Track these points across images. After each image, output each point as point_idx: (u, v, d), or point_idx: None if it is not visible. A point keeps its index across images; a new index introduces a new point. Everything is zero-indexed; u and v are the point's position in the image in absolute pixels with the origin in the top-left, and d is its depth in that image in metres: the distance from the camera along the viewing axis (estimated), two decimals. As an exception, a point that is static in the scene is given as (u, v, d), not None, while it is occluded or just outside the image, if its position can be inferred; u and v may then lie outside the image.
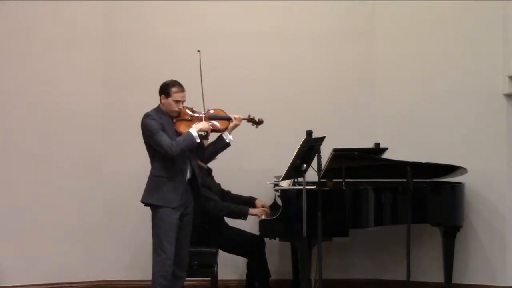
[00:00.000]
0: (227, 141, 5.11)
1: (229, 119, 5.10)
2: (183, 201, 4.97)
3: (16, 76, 6.31)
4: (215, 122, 5.07)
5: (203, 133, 5.01)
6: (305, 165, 4.91)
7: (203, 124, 4.94)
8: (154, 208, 4.94)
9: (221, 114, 5.13)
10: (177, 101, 4.95)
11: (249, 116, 5.23)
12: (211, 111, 5.10)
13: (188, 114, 5.03)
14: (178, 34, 6.48)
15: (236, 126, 5.12)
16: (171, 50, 6.47)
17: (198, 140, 4.89)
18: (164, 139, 4.84)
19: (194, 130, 4.89)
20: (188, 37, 6.46)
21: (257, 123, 5.27)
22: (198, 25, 6.48)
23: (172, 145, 4.82)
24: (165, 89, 4.97)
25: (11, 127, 6.29)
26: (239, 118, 5.12)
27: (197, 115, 5.04)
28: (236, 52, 6.48)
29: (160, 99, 5.00)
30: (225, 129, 5.08)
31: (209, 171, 5.84)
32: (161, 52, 6.47)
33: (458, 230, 5.88)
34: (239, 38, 6.48)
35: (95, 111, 6.42)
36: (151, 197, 4.95)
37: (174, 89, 4.95)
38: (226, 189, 6.00)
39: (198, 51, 5.04)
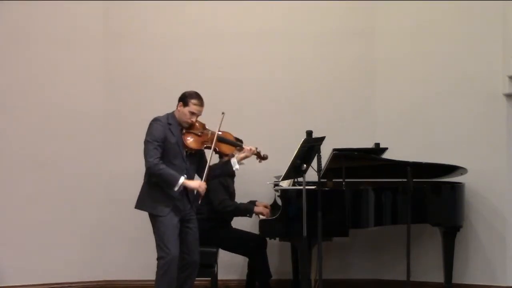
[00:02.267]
0: (234, 169, 5.11)
1: (236, 146, 5.08)
2: (181, 207, 4.96)
3: (16, 76, 6.30)
4: (222, 145, 5.03)
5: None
6: (305, 165, 4.91)
7: (194, 185, 4.89)
8: (151, 213, 4.97)
9: (230, 138, 5.11)
10: (192, 113, 4.93)
11: (256, 148, 5.19)
12: (220, 133, 5.04)
13: (199, 129, 5.01)
14: (178, 34, 6.48)
15: (246, 157, 5.12)
16: (171, 50, 6.47)
17: (176, 189, 4.83)
18: (153, 153, 4.82)
19: (182, 179, 4.84)
20: (188, 37, 6.47)
21: (262, 158, 5.22)
22: (198, 25, 6.48)
23: (156, 164, 4.80)
24: (185, 98, 4.95)
25: (11, 127, 6.29)
26: (253, 151, 5.11)
27: (207, 133, 5.01)
28: (236, 52, 6.48)
29: (177, 106, 4.98)
30: (230, 154, 5.06)
31: (232, 173, 5.85)
32: (161, 52, 6.47)
33: (458, 230, 5.88)
34: (239, 38, 6.48)
35: (95, 111, 6.42)
36: (144, 204, 4.96)
37: (193, 101, 4.93)
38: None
39: (223, 113, 4.96)
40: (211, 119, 5.06)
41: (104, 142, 6.43)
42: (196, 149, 4.99)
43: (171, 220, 4.91)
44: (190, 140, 4.95)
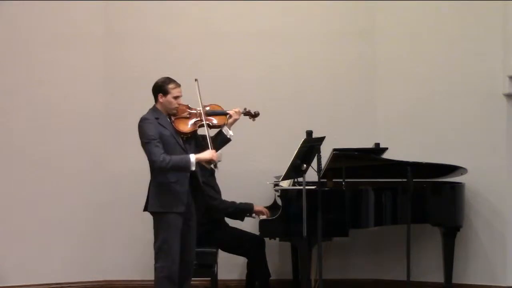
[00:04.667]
0: (228, 136, 5.01)
1: (226, 115, 5.03)
2: (186, 208, 4.88)
3: (16, 76, 6.31)
4: (213, 118, 5.00)
5: (207, 165, 4.92)
6: (305, 165, 4.91)
7: (207, 156, 4.80)
8: (159, 214, 4.86)
9: (218, 109, 5.07)
10: (176, 97, 4.87)
11: (245, 109, 5.16)
12: (207, 107, 5.03)
13: (186, 111, 4.95)
14: (178, 34, 6.48)
15: (235, 120, 5.04)
16: (171, 50, 6.47)
17: (193, 168, 4.76)
18: (156, 151, 4.72)
19: (194, 156, 4.76)
20: (188, 37, 6.47)
21: (253, 115, 5.17)
22: (198, 25, 6.48)
23: (164, 159, 4.70)
24: (161, 87, 4.87)
25: (11, 127, 6.29)
26: (238, 112, 5.05)
27: (194, 111, 4.96)
28: (236, 52, 6.48)
29: (157, 99, 4.89)
30: (224, 124, 5.00)
31: (212, 172, 5.84)
32: (161, 52, 6.47)
33: (458, 230, 5.88)
34: (239, 38, 6.48)
35: (95, 111, 6.42)
36: (156, 205, 4.84)
37: (171, 86, 4.86)
38: (226, 192, 5.97)
39: (196, 79, 4.90)
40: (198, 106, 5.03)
41: (104, 142, 6.43)
42: (192, 132, 4.92)
43: (175, 220, 4.82)
44: (182, 125, 4.88)
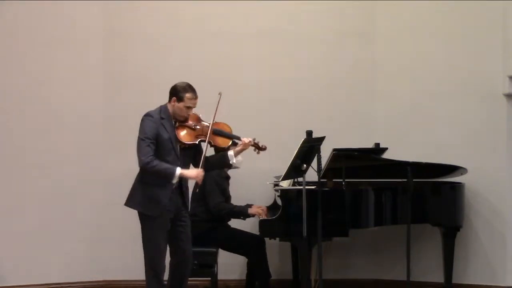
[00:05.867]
0: (230, 163, 4.87)
1: (232, 139, 4.85)
2: (172, 207, 4.78)
3: (16, 76, 6.30)
4: (218, 138, 4.82)
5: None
6: (305, 165, 4.91)
7: (192, 174, 4.69)
8: (140, 214, 4.82)
9: (227, 130, 4.89)
10: (188, 107, 4.75)
11: (254, 139, 4.92)
12: (217, 126, 4.84)
13: (193, 121, 4.82)
14: (178, 34, 6.48)
15: (243, 150, 4.88)
16: (171, 50, 6.47)
17: (174, 181, 4.66)
18: (147, 150, 4.63)
19: (179, 171, 4.63)
20: (188, 37, 6.47)
21: (260, 148, 4.94)
22: (198, 25, 6.49)
23: (149, 162, 4.61)
24: (179, 93, 4.75)
25: (11, 127, 6.29)
26: (249, 143, 4.84)
27: (201, 125, 4.82)
28: (236, 52, 6.48)
29: (170, 101, 4.80)
30: (227, 148, 4.85)
31: (227, 177, 5.85)
32: (160, 52, 6.47)
33: (458, 230, 5.89)
34: (239, 38, 6.48)
35: (94, 110, 6.42)
36: (134, 203, 4.81)
37: (188, 95, 4.73)
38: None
39: (220, 93, 4.76)
40: (210, 119, 4.98)
41: (104, 142, 6.43)
42: (190, 143, 4.79)
43: (161, 224, 4.77)
44: (183, 134, 4.77)
